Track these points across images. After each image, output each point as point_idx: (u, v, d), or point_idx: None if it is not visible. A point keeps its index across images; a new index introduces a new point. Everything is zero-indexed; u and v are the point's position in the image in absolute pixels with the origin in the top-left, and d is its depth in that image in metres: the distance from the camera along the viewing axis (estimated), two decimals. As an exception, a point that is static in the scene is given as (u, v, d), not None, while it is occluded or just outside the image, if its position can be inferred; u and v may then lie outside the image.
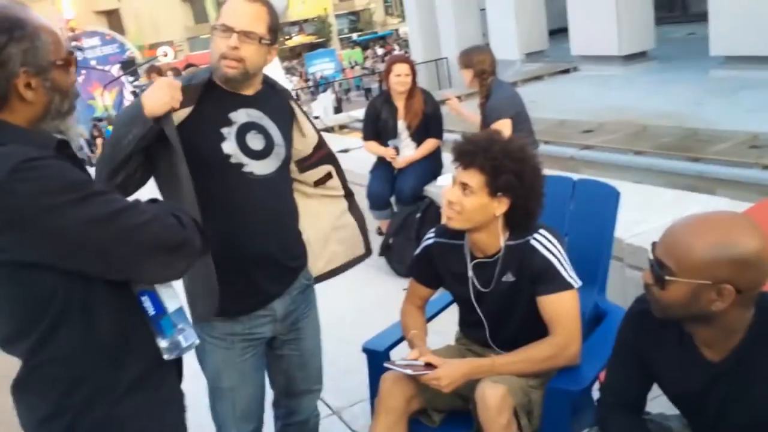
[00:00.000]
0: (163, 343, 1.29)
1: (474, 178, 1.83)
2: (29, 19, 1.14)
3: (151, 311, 1.29)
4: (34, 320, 1.12)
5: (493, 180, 1.81)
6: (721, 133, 6.35)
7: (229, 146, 1.74)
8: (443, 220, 1.97)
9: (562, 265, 1.85)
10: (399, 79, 4.10)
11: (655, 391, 1.56)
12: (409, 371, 1.81)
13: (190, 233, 1.22)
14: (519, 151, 1.84)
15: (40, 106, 1.17)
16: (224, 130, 1.74)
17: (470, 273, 1.97)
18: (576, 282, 1.86)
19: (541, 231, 1.89)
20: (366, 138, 4.44)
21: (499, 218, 1.87)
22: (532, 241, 1.87)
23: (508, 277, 1.91)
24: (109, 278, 1.18)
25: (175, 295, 1.33)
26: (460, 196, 1.85)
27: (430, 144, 4.22)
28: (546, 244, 1.87)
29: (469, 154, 1.84)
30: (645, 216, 2.93)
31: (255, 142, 1.78)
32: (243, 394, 1.87)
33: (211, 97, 1.75)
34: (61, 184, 1.08)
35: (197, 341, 1.35)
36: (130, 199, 1.24)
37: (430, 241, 2.07)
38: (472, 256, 1.98)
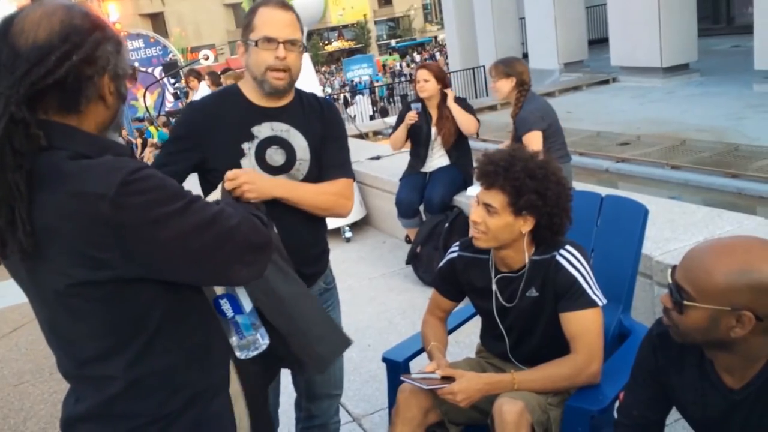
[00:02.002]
0: (240, 342, 1.32)
1: (496, 199, 1.82)
2: (110, 25, 1.14)
3: (230, 313, 1.32)
4: (132, 335, 1.09)
5: (515, 200, 1.80)
6: (764, 149, 6.20)
7: (247, 162, 1.77)
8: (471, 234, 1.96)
9: (587, 281, 1.83)
10: (419, 85, 4.15)
11: (675, 415, 1.54)
12: (423, 385, 1.80)
13: (270, 232, 1.22)
14: (540, 169, 1.82)
15: (111, 112, 1.14)
16: (245, 146, 1.77)
17: (494, 287, 1.96)
18: (601, 300, 1.84)
19: (567, 247, 1.88)
20: (393, 132, 4.43)
21: (526, 235, 1.87)
22: (558, 257, 1.86)
23: (532, 292, 1.89)
24: (199, 285, 1.17)
25: (247, 295, 1.36)
26: (484, 217, 1.84)
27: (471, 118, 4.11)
28: (571, 260, 1.85)
29: (490, 174, 1.83)
30: (676, 233, 2.87)
31: (275, 157, 1.79)
32: None
33: (238, 109, 1.79)
34: (166, 194, 1.05)
35: (269, 340, 1.36)
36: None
37: (454, 255, 2.07)
38: (496, 270, 1.97)
